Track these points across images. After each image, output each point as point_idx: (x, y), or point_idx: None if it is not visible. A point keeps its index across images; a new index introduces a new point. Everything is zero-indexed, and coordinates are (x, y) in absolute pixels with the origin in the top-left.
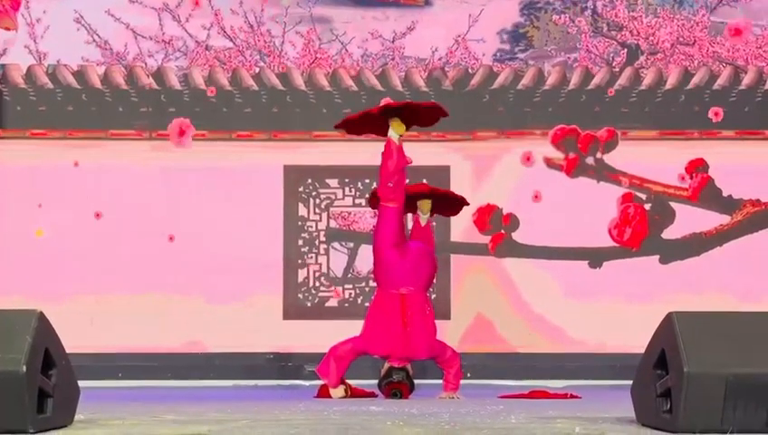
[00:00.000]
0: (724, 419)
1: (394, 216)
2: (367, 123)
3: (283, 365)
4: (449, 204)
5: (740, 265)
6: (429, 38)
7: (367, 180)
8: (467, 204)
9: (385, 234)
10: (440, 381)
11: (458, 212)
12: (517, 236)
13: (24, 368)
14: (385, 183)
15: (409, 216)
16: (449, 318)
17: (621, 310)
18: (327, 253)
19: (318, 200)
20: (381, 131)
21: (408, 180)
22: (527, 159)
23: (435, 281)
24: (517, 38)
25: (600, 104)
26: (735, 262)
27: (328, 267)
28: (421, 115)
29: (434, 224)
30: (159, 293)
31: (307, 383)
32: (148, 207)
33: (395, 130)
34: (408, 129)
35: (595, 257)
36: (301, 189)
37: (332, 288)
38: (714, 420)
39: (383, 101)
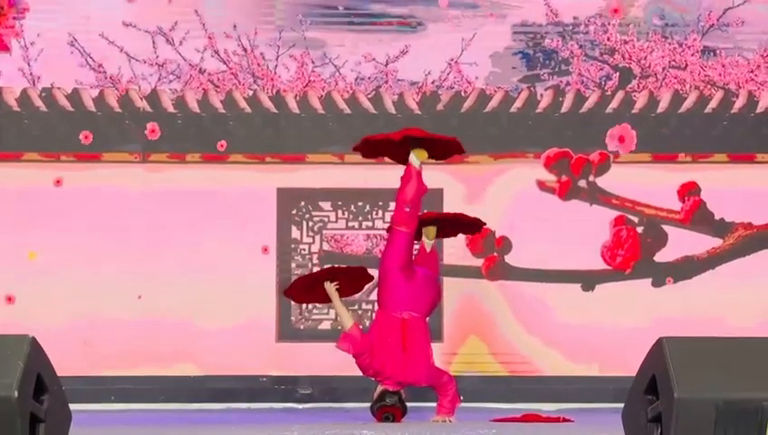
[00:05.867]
0: None
1: (405, 240)
2: (384, 148)
3: (277, 388)
4: (458, 226)
5: (732, 288)
6: (422, 61)
7: (360, 203)
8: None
9: (393, 257)
10: (434, 405)
11: (470, 232)
12: (510, 258)
13: (16, 393)
14: (402, 207)
15: None
16: (441, 341)
17: (613, 333)
18: None
19: (311, 223)
20: (397, 157)
21: None
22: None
23: (437, 308)
24: (510, 62)
25: (592, 127)
26: (727, 286)
27: None
28: (437, 148)
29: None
30: (151, 315)
31: (300, 406)
32: (140, 229)
33: (417, 156)
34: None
35: (587, 280)
36: (294, 212)
37: (325, 311)
38: None
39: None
